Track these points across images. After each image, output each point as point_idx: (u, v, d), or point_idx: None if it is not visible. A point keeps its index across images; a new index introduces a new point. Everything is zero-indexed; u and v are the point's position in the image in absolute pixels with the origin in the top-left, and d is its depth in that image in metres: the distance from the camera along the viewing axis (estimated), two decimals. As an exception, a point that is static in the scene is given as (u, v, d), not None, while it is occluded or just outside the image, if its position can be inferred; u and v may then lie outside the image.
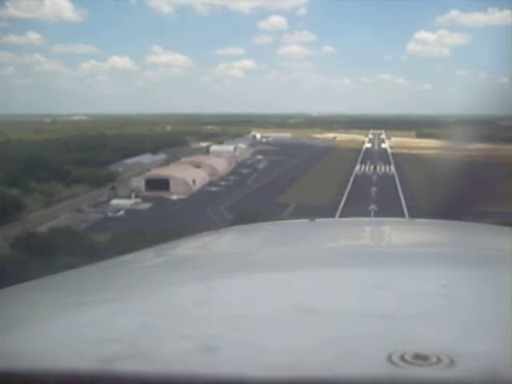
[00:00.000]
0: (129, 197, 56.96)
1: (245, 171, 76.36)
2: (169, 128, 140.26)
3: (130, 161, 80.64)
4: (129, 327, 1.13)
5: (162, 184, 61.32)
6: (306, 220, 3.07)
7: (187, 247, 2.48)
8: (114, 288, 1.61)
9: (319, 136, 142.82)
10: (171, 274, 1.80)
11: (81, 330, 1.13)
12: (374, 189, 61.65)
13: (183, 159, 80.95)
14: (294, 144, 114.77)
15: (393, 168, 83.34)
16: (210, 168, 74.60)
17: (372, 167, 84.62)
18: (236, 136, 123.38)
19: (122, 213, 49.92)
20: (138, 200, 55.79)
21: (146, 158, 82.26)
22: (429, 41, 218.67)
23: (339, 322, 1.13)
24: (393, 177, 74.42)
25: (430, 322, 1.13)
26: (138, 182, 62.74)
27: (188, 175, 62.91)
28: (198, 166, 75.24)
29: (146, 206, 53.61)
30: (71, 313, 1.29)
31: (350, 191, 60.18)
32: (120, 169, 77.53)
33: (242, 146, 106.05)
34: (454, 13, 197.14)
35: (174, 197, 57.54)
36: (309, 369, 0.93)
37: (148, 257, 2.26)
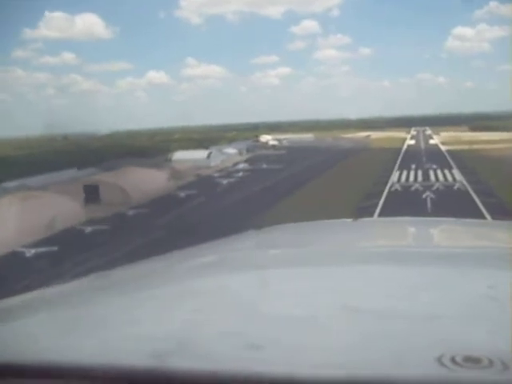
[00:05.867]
0: None
1: (183, 194, 37.59)
2: (176, 136, 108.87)
3: (13, 184, 43.62)
4: (177, 324, 1.11)
5: None
6: (349, 220, 2.92)
7: (231, 246, 2.32)
8: (161, 285, 1.54)
9: (350, 136, 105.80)
10: (218, 271, 1.67)
11: (130, 326, 1.12)
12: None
13: (97, 176, 42.88)
14: (310, 146, 78.92)
15: (458, 174, 42.47)
16: (115, 192, 35.99)
17: (420, 175, 43.89)
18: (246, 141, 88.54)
19: None
20: None
21: (40, 180, 44.55)
22: (468, 36, 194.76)
23: (387, 323, 1.06)
24: (466, 193, 33.32)
25: (479, 323, 1.05)
26: None
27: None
28: (91, 190, 36.76)
29: None
30: (120, 310, 1.27)
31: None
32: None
33: (231, 151, 69.67)
34: (493, 4, 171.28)
35: None
36: (356, 369, 0.86)
37: (195, 254, 2.14)
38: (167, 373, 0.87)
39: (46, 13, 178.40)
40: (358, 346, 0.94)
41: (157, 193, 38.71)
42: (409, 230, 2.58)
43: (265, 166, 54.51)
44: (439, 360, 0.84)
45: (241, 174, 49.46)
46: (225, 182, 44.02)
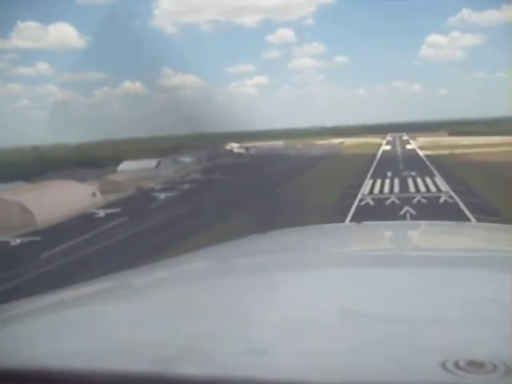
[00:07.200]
0: None
1: (102, 214, 30.15)
2: (142, 146, 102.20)
3: None
4: (181, 329, 1.10)
5: None
6: (352, 223, 2.98)
7: (233, 250, 2.29)
8: (164, 290, 1.54)
9: (323, 142, 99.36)
10: (220, 276, 1.65)
11: (133, 332, 1.10)
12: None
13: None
14: (279, 154, 72.61)
15: (442, 183, 35.21)
16: (15, 212, 27.84)
17: (397, 185, 36.60)
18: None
19: None
20: None
21: None
22: (441, 44, 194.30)
23: (390, 327, 1.04)
24: (456, 209, 25.76)
25: (484, 327, 1.03)
26: None
27: None
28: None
29: None
30: (123, 315, 1.26)
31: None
32: None
33: (188, 159, 62.18)
34: (465, 12, 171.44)
35: None
36: (360, 374, 0.85)
37: (198, 259, 2.12)
38: (171, 378, 0.86)
39: (19, 22, 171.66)
40: (361, 351, 0.92)
41: (71, 212, 30.60)
42: (412, 234, 2.54)
43: (219, 176, 46.90)
44: (443, 365, 0.82)
45: (187, 185, 41.79)
46: (162, 196, 36.28)
